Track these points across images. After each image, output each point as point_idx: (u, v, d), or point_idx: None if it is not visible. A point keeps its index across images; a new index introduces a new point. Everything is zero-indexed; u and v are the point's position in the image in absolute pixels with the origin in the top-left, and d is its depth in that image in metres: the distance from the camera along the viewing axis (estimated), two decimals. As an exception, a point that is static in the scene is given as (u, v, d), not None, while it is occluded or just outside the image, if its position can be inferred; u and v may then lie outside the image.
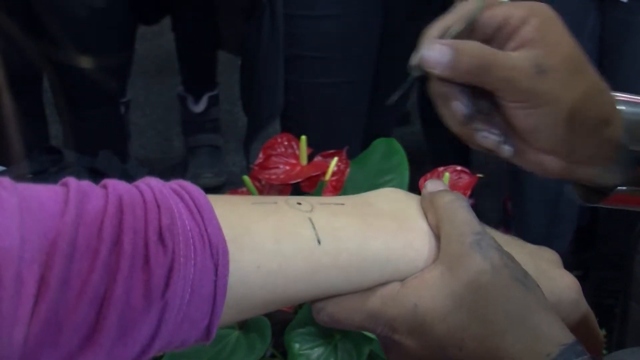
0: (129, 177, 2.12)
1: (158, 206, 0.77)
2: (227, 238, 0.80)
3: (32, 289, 0.69)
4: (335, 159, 1.52)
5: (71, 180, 0.78)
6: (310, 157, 1.54)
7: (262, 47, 2.49)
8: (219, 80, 3.87)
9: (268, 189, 1.54)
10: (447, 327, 0.85)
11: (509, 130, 0.93)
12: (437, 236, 0.88)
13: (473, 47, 0.91)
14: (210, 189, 3.55)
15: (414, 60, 0.90)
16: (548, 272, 0.95)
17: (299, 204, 0.87)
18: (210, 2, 3.37)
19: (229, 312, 0.81)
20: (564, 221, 2.70)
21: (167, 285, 0.75)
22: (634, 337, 2.21)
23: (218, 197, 0.84)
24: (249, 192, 1.52)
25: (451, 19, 0.93)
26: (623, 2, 2.44)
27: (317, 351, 1.23)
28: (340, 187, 1.52)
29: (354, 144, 2.01)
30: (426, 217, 0.90)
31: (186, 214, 0.79)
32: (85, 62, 2.40)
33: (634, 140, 0.97)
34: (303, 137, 1.52)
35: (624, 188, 0.99)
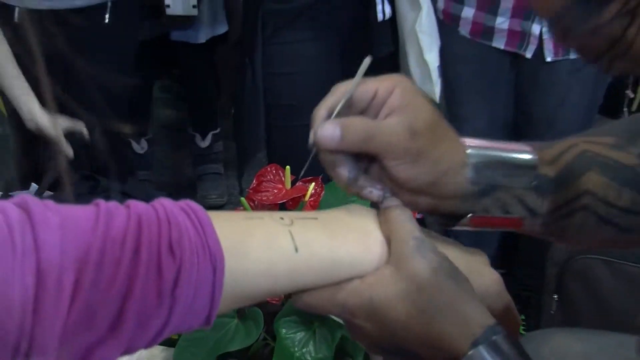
0: (151, 198, 2.12)
1: (169, 222, 0.78)
2: (223, 247, 0.80)
3: (68, 291, 0.70)
4: (313, 184, 1.52)
5: (101, 202, 0.79)
6: (293, 183, 1.54)
7: (245, 98, 2.50)
8: (222, 122, 3.87)
9: (260, 207, 1.54)
10: (395, 314, 0.86)
11: (386, 180, 0.93)
12: (389, 242, 0.89)
13: (357, 122, 0.90)
14: (214, 208, 3.55)
15: (311, 139, 0.89)
16: (477, 269, 0.95)
17: (282, 218, 0.88)
18: (210, 64, 3.38)
19: (224, 304, 0.81)
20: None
21: (175, 286, 0.76)
22: (545, 322, 2.21)
23: (217, 214, 0.84)
24: (244, 210, 1.52)
25: (333, 99, 0.92)
26: (529, 59, 2.44)
27: (300, 335, 1.22)
28: (317, 206, 1.52)
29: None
30: (380, 228, 0.90)
31: (191, 229, 0.79)
32: (127, 129, 2.41)
33: (480, 177, 0.97)
34: (287, 167, 1.52)
35: (476, 214, 1.00)
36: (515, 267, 2.77)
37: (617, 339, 1.64)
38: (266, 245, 0.85)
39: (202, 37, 3.46)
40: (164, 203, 0.81)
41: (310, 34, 2.44)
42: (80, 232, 0.74)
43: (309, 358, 1.21)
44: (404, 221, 0.90)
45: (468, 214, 1.00)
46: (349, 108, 0.92)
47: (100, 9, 2.71)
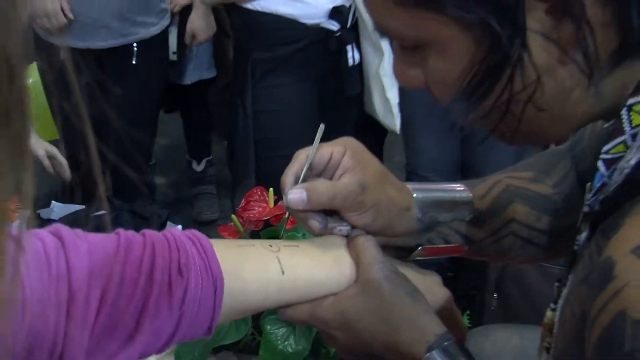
0: (155, 215, 2.12)
1: (178, 249, 0.80)
2: (223, 270, 0.82)
3: (94, 307, 0.72)
4: (292, 203, 1.53)
5: (121, 231, 0.81)
6: (276, 202, 1.54)
7: (237, 132, 2.50)
8: (214, 150, 3.88)
9: (248, 223, 1.54)
10: (362, 326, 0.87)
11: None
12: (357, 265, 0.90)
13: (318, 186, 0.90)
14: (208, 222, 3.55)
15: (284, 202, 0.90)
16: (431, 288, 0.96)
17: (270, 246, 0.89)
18: (203, 102, 3.37)
19: (222, 317, 0.83)
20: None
21: (183, 302, 0.78)
22: (487, 317, 2.21)
23: (216, 241, 0.85)
24: (235, 226, 1.52)
25: (297, 166, 0.92)
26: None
27: (282, 330, 1.21)
28: (296, 223, 1.52)
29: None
30: (349, 253, 0.91)
31: (196, 254, 0.81)
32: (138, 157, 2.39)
33: (425, 215, 0.98)
34: (271, 189, 1.52)
35: (425, 245, 1.01)
36: (463, 271, 2.77)
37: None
38: (258, 269, 0.86)
39: (187, 80, 3.44)
40: (174, 232, 0.83)
41: (292, 78, 2.45)
42: (104, 257, 0.75)
43: (290, 350, 1.20)
44: (369, 247, 0.90)
45: (418, 247, 1.00)
46: (311, 171, 0.92)
47: (127, 49, 2.73)
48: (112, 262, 0.75)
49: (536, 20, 0.66)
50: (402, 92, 2.50)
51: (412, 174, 2.65)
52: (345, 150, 0.93)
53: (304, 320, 0.91)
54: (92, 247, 0.75)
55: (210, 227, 3.58)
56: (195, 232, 0.85)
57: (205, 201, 3.78)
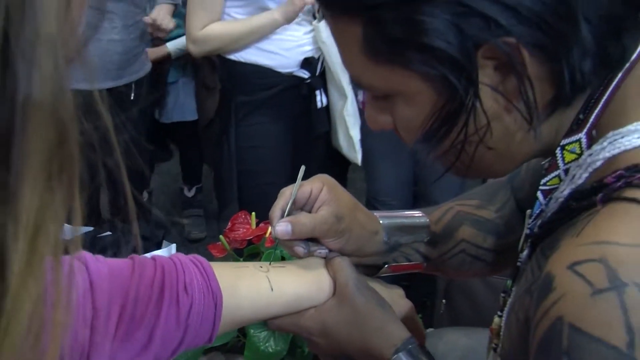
0: (154, 235, 2.10)
1: (184, 271, 0.81)
2: (221, 288, 0.83)
3: (114, 321, 0.73)
4: (271, 225, 1.53)
5: (135, 256, 0.82)
6: (257, 224, 1.54)
7: (223, 164, 2.49)
8: (204, 179, 3.86)
9: (234, 242, 1.53)
10: (340, 333, 0.88)
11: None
12: (334, 282, 0.91)
13: (301, 219, 0.92)
14: (197, 240, 3.53)
15: (273, 233, 0.92)
16: (396, 300, 0.97)
17: (261, 267, 0.90)
18: (193, 139, 3.36)
19: (221, 328, 0.84)
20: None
21: (188, 315, 0.79)
22: (436, 320, 2.22)
23: (216, 264, 0.86)
24: (223, 245, 1.51)
25: (282, 202, 0.93)
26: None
27: (264, 333, 1.20)
28: (274, 241, 1.52)
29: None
30: (328, 272, 0.93)
31: (199, 275, 0.82)
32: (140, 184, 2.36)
33: (390, 238, 0.99)
34: (253, 213, 1.52)
35: (390, 264, 1.02)
36: (416, 281, 2.78)
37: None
38: (251, 287, 0.87)
39: (165, 118, 3.40)
40: (180, 257, 0.84)
41: (270, 118, 2.45)
42: (122, 278, 0.76)
43: (270, 350, 1.19)
44: (344, 267, 0.91)
45: (385, 264, 1.01)
46: (294, 205, 0.93)
47: (126, 87, 2.71)
48: (128, 282, 0.76)
49: (486, 75, 0.67)
50: (363, 129, 2.51)
51: (372, 199, 2.65)
52: (322, 186, 0.94)
53: (290, 329, 0.92)
54: (111, 270, 0.76)
55: (199, 245, 3.57)
56: (197, 257, 0.86)
57: (193, 221, 3.77)
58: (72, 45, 0.32)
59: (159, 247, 1.99)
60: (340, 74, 2.40)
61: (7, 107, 0.29)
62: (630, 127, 0.66)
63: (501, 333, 0.80)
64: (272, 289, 0.88)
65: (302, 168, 0.95)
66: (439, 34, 0.64)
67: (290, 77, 2.43)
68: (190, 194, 3.85)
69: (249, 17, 2.33)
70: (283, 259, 1.45)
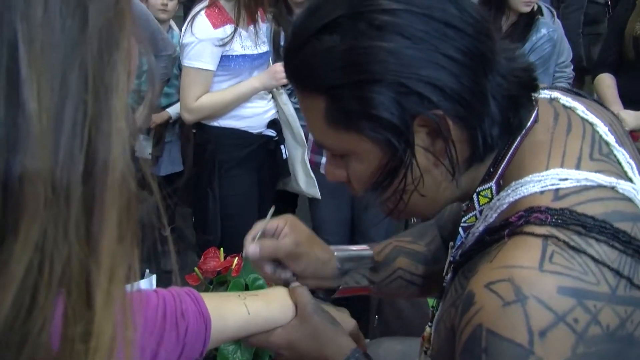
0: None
1: (180, 300, 0.83)
2: (210, 313, 0.85)
3: (152, 341, 0.77)
4: (236, 258, 1.51)
5: (142, 289, 0.87)
6: (225, 258, 1.53)
7: (209, 211, 2.49)
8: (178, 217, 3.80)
9: (206, 272, 1.52)
10: (302, 346, 0.91)
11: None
12: (296, 306, 0.94)
13: (267, 244, 0.95)
14: (171, 271, 3.44)
15: (244, 254, 0.95)
16: (344, 318, 0.99)
17: (239, 296, 0.92)
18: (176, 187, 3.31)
19: (210, 344, 0.86)
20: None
21: (185, 335, 0.80)
22: (371, 332, 2.21)
23: (205, 294, 0.89)
24: (197, 275, 1.49)
25: (254, 232, 0.96)
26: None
27: (232, 346, 1.20)
28: (239, 271, 1.51)
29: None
30: (291, 298, 0.95)
31: (192, 303, 0.84)
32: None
33: (342, 266, 1.01)
34: (221, 249, 1.52)
35: (343, 287, 1.04)
36: (353, 301, 2.76)
37: (418, 341, 1.68)
38: (233, 312, 0.89)
39: (162, 171, 3.35)
40: (177, 289, 0.86)
41: (246, 170, 2.48)
42: (149, 310, 0.79)
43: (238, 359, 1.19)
44: (304, 294, 0.94)
45: (339, 287, 1.03)
46: (264, 235, 0.96)
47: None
48: (138, 310, 0.77)
49: (420, 139, 0.71)
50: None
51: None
52: (286, 222, 0.98)
53: (262, 345, 0.94)
54: (140, 298, 0.78)
55: (173, 275, 3.48)
56: (190, 289, 0.88)
57: (169, 256, 3.68)
58: (133, 129, 0.36)
59: (142, 278, 1.94)
60: (300, 128, 2.49)
61: (91, 183, 0.32)
62: (527, 178, 0.70)
63: (431, 339, 0.84)
64: (249, 313, 0.90)
65: (272, 208, 0.99)
66: (385, 107, 0.68)
67: (260, 136, 2.50)
68: (165, 232, 3.77)
69: (233, 87, 2.38)
70: (246, 286, 1.43)
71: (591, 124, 0.74)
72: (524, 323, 0.59)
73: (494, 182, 0.75)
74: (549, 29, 2.45)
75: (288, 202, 2.83)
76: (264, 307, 0.92)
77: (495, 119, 0.71)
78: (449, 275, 0.81)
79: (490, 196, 0.75)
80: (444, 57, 0.66)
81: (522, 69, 0.74)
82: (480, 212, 0.76)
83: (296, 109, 2.49)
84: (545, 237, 0.63)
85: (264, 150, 2.51)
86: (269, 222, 0.97)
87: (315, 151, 2.53)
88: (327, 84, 0.69)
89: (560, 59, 2.71)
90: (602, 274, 0.61)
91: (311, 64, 0.70)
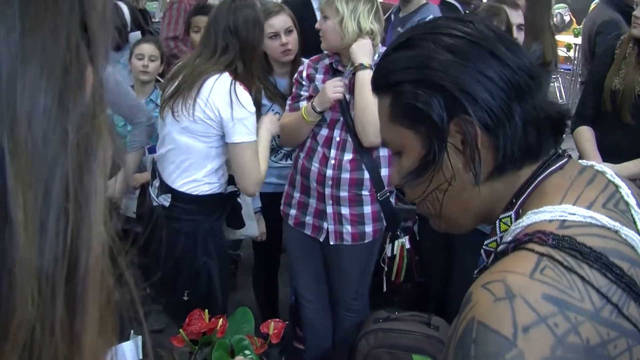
0: (123, 328, 2.05)
1: None
2: None
3: None
4: (221, 319, 1.55)
5: None
6: (210, 318, 1.55)
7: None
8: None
9: (190, 334, 1.54)
10: None
11: None
12: None
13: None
14: (158, 331, 3.41)
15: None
16: None
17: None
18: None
19: None
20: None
21: None
22: None
23: None
24: (182, 336, 1.51)
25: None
26: (323, 242, 2.39)
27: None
28: (224, 332, 1.53)
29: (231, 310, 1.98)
30: None
31: None
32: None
33: None
34: (206, 310, 1.55)
35: None
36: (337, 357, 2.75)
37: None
38: None
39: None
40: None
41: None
42: None
43: None
44: None
45: None
46: None
47: None
48: None
49: (455, 142, 0.82)
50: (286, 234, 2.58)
51: (297, 294, 2.69)
52: None
53: None
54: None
55: (159, 335, 3.46)
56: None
57: (154, 316, 3.68)
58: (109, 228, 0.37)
59: (127, 338, 1.95)
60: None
61: (73, 284, 0.34)
62: (543, 208, 0.78)
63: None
64: None
65: None
66: (430, 105, 0.81)
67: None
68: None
69: (259, 145, 2.26)
70: (231, 346, 1.46)
71: (616, 185, 0.82)
72: (510, 317, 0.65)
73: (513, 211, 0.83)
74: None
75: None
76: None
77: (517, 138, 0.81)
78: None
79: (509, 223, 0.83)
80: (482, 76, 0.80)
81: (557, 111, 0.85)
82: (501, 238, 0.84)
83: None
84: (542, 254, 0.70)
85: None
86: None
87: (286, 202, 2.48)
88: (393, 81, 0.85)
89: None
90: (588, 293, 0.67)
91: (385, 67, 0.87)
